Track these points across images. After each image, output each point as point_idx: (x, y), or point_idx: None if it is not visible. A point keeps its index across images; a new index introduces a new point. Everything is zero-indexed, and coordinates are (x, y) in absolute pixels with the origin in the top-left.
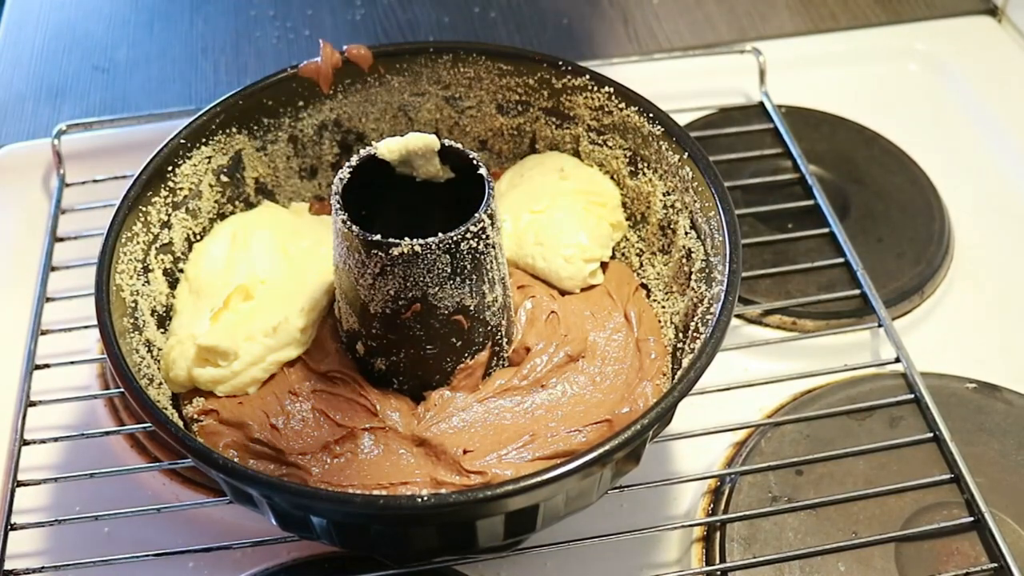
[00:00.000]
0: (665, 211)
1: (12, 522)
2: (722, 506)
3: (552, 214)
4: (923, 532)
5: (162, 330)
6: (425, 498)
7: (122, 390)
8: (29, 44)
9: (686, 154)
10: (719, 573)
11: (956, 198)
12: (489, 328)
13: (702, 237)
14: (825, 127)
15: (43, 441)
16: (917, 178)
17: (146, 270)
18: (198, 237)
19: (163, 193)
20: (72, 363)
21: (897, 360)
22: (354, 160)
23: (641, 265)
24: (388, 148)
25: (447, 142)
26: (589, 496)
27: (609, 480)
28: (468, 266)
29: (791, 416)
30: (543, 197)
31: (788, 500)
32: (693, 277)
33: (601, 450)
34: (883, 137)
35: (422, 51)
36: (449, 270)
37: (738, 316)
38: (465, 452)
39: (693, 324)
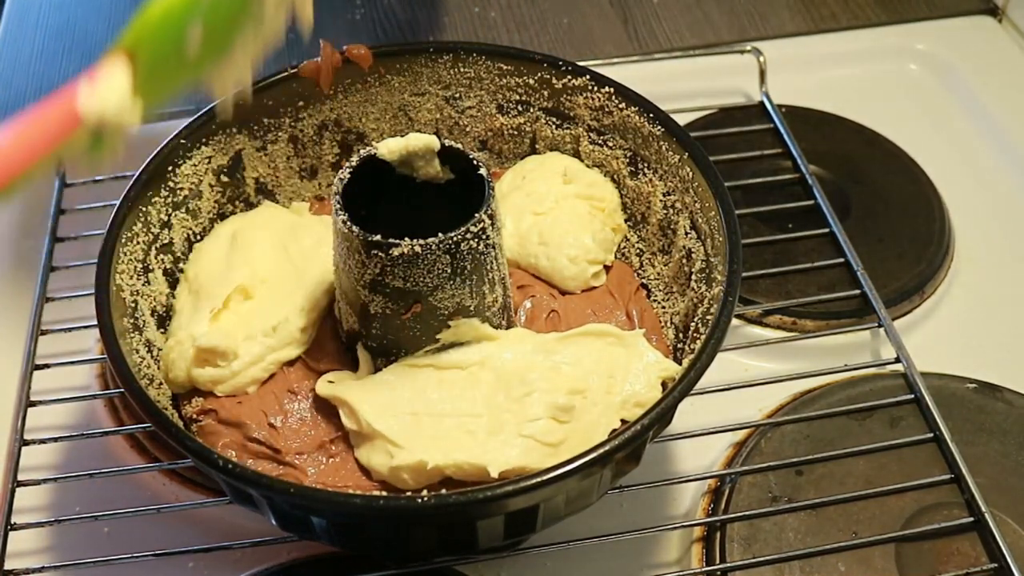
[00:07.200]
0: (665, 211)
1: (12, 522)
2: (722, 506)
3: (556, 216)
4: (923, 532)
5: (162, 330)
6: (425, 498)
7: (122, 390)
8: (29, 44)
9: (686, 154)
10: (719, 573)
11: (956, 198)
12: None
13: (702, 237)
14: (825, 127)
15: (43, 441)
16: (917, 178)
17: (146, 270)
18: (198, 237)
19: (163, 193)
20: (72, 363)
21: (897, 360)
22: (354, 160)
23: (641, 265)
24: (388, 148)
25: (447, 142)
26: (589, 496)
27: (609, 480)
28: (468, 266)
29: (791, 416)
30: (546, 199)
31: (788, 500)
32: (693, 277)
33: (601, 450)
34: (883, 137)
35: (422, 51)
36: (449, 270)
37: (738, 316)
38: None
39: (693, 324)
